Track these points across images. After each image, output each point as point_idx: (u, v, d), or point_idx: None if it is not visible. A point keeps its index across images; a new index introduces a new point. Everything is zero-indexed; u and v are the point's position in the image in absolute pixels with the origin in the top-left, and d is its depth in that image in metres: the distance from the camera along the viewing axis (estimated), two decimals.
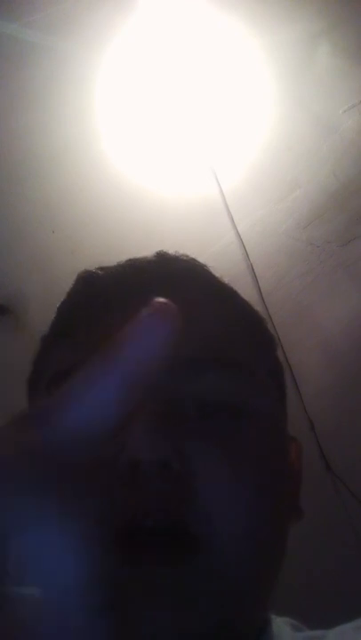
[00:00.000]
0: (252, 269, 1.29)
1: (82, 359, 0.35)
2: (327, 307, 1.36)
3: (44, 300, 1.41)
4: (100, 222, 1.32)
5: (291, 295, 1.31)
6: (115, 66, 1.22)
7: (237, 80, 1.27)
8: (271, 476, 0.35)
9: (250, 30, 1.20)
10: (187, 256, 0.44)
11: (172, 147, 1.31)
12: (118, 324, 0.37)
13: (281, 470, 0.37)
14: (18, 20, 1.10)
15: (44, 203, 1.29)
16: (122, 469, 0.31)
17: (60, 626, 0.35)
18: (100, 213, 1.31)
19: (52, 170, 1.27)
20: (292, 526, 0.39)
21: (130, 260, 0.43)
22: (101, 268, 0.43)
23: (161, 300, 0.22)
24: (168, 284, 0.39)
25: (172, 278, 0.40)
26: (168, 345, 0.23)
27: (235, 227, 1.31)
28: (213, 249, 1.29)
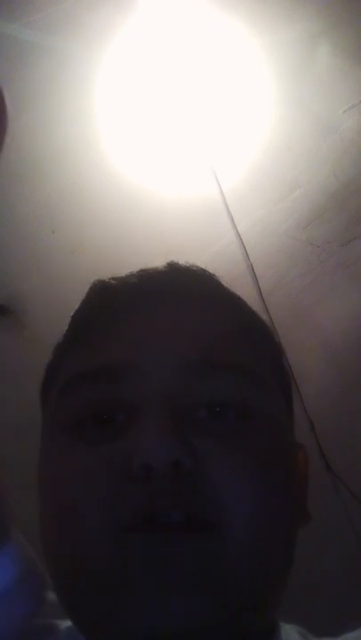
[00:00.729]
0: (252, 269, 1.29)
1: (96, 365, 0.36)
2: (327, 307, 1.36)
3: (44, 300, 1.42)
4: (100, 222, 1.32)
5: (291, 295, 1.31)
6: (115, 66, 1.22)
7: (237, 80, 1.27)
8: (280, 477, 0.36)
9: (250, 30, 1.20)
10: (197, 266, 0.45)
11: (171, 146, 1.31)
12: (131, 332, 0.37)
13: (289, 472, 0.38)
14: (17, 20, 1.10)
15: (44, 203, 1.29)
16: (133, 471, 0.32)
17: (72, 610, 0.35)
18: (101, 213, 1.31)
19: (51, 170, 1.27)
20: (299, 530, 0.39)
21: (142, 270, 0.44)
22: (114, 278, 0.44)
23: None
24: (179, 292, 0.41)
25: (182, 288, 0.42)
26: None
27: (235, 227, 1.31)
28: (213, 249, 1.30)
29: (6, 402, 1.35)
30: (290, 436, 0.41)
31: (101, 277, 0.44)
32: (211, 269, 0.45)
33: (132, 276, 0.44)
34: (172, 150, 1.31)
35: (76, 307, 0.44)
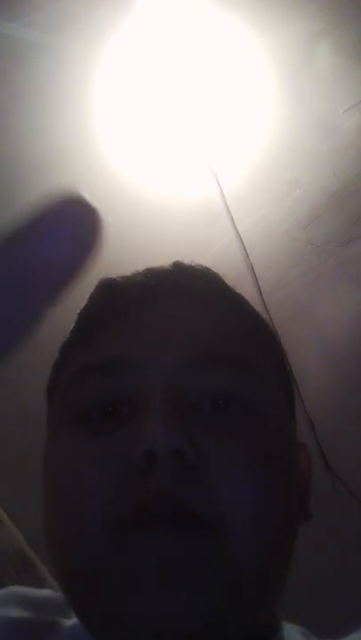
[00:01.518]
0: (253, 269, 1.29)
1: (102, 359, 0.37)
2: (327, 307, 1.36)
3: None
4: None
5: (291, 295, 1.31)
6: (114, 65, 1.22)
7: (237, 80, 1.27)
8: (281, 473, 0.36)
9: (250, 30, 1.20)
10: (201, 265, 0.46)
11: (171, 146, 1.31)
12: (137, 328, 0.38)
13: (290, 469, 0.38)
14: (16, 19, 1.10)
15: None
16: (136, 460, 0.32)
17: (77, 608, 0.35)
18: (101, 213, 1.31)
19: (51, 170, 1.27)
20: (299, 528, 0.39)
21: (148, 269, 0.45)
22: (121, 277, 0.45)
23: None
24: (184, 291, 0.42)
25: (188, 286, 0.43)
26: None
27: (235, 227, 1.31)
28: (214, 249, 1.30)
29: (6, 402, 1.35)
30: (292, 435, 0.41)
31: (108, 276, 0.45)
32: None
33: (138, 274, 0.44)
34: (171, 150, 1.31)
35: (83, 305, 0.44)
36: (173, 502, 0.32)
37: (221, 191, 1.31)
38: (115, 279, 0.45)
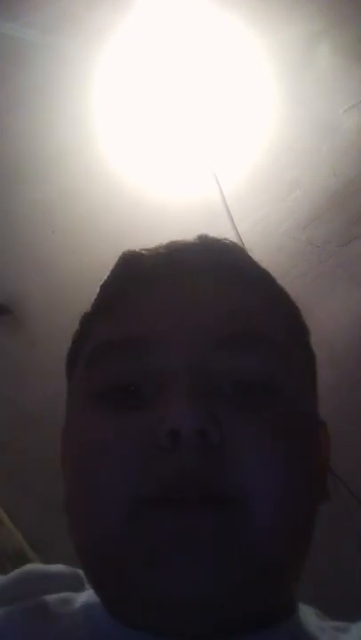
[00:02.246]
0: None
1: (125, 335, 0.36)
2: (327, 307, 1.36)
3: (44, 300, 1.41)
4: (100, 223, 1.31)
5: (291, 295, 1.31)
6: (113, 65, 1.22)
7: (237, 80, 1.27)
8: (304, 452, 0.36)
9: (250, 30, 1.20)
10: (227, 239, 0.44)
11: (171, 146, 1.31)
12: (161, 303, 0.37)
13: (313, 448, 0.38)
14: (15, 19, 1.09)
15: (44, 203, 1.29)
16: (161, 439, 0.32)
17: (101, 591, 0.35)
18: (101, 213, 1.31)
19: (51, 170, 1.27)
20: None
21: (172, 241, 0.43)
22: (144, 249, 0.43)
23: None
24: (209, 264, 0.40)
25: (213, 260, 0.41)
26: None
27: (235, 227, 1.31)
28: None
29: (6, 402, 1.35)
30: (315, 415, 0.41)
31: (131, 249, 0.43)
32: None
33: (161, 247, 0.43)
34: (171, 150, 1.31)
35: (105, 277, 0.43)
36: (198, 482, 0.32)
37: (221, 191, 1.31)
38: (138, 252, 0.43)
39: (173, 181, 1.32)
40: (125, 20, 1.16)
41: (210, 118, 1.30)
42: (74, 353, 0.42)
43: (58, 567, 0.43)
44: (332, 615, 0.41)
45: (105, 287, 0.43)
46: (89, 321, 0.42)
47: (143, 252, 0.43)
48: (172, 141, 1.31)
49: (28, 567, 0.43)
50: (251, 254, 0.45)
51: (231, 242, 0.45)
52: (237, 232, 1.30)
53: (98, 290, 0.43)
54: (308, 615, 0.39)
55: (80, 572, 0.41)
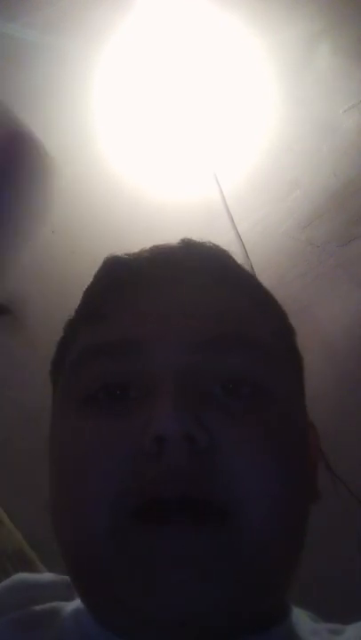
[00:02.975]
0: (253, 269, 1.29)
1: (111, 339, 0.36)
2: (327, 307, 1.36)
3: (44, 301, 1.41)
4: (100, 223, 1.31)
5: (291, 295, 1.31)
6: (113, 65, 1.22)
7: (237, 80, 1.27)
8: (294, 455, 0.36)
9: (250, 30, 1.20)
10: (211, 243, 0.44)
11: (171, 146, 1.31)
12: (146, 307, 0.37)
13: (302, 450, 0.38)
14: (15, 19, 1.09)
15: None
16: (147, 444, 0.32)
17: (87, 599, 0.35)
18: (101, 213, 1.31)
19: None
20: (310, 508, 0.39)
21: (155, 246, 0.43)
22: (127, 254, 0.43)
23: None
24: (193, 268, 0.40)
25: (197, 263, 0.41)
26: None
27: (235, 227, 1.31)
28: None
29: (6, 402, 1.35)
30: (303, 415, 0.41)
31: (113, 253, 0.44)
32: None
33: (145, 251, 0.43)
34: (171, 150, 1.31)
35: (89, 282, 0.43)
36: (184, 485, 0.31)
37: (221, 191, 1.31)
38: (121, 256, 0.43)
39: (173, 181, 1.32)
40: (125, 20, 1.16)
41: (210, 118, 1.30)
42: (59, 359, 0.41)
43: (48, 576, 0.43)
44: (332, 615, 0.41)
45: (89, 292, 0.43)
46: (74, 327, 0.41)
47: (126, 256, 0.43)
48: (171, 141, 1.31)
49: (18, 577, 0.43)
50: (250, 256, 0.45)
51: (215, 245, 0.44)
52: (237, 232, 1.30)
53: (82, 295, 0.43)
54: (302, 618, 0.39)
55: None
